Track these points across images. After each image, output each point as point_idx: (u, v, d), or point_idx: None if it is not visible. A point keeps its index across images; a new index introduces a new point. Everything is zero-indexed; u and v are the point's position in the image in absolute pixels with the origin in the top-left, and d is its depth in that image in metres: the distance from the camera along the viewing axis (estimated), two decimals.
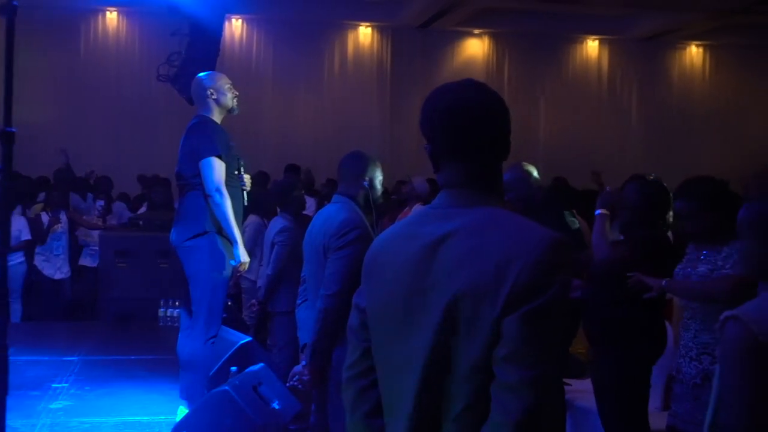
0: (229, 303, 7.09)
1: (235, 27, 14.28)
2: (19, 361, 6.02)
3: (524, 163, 4.98)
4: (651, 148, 15.72)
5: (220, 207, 4.66)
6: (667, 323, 4.46)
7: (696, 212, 3.62)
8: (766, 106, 16.21)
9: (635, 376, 4.11)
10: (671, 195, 4.21)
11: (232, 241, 4.74)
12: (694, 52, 16.23)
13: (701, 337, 3.54)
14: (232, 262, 4.77)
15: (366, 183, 3.86)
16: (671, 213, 4.15)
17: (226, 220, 4.69)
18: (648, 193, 4.21)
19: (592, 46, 15.79)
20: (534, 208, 4.85)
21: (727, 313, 2.18)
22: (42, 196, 9.37)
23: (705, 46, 16.13)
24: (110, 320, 7.92)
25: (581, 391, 5.19)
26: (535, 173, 4.90)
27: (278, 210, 6.28)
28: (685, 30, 14.82)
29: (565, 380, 5.30)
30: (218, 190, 4.65)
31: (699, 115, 16.03)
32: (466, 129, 1.83)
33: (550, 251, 1.69)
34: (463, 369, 1.72)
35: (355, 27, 14.85)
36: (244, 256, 4.78)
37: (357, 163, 3.91)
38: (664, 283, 3.80)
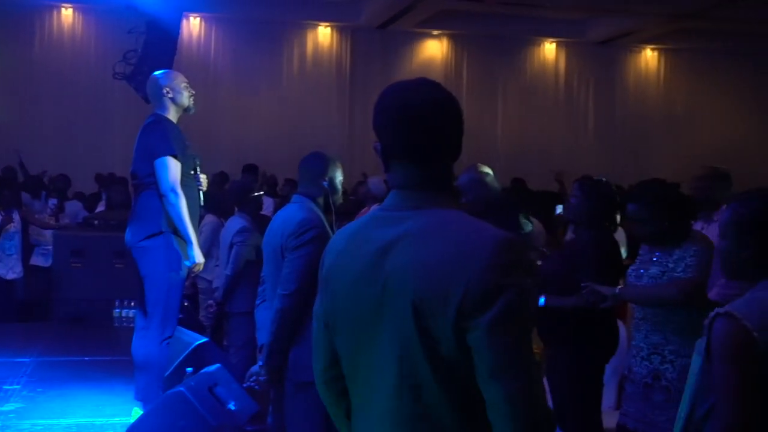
0: (186, 304, 7.04)
1: (193, 25, 14.17)
2: None
3: (479, 164, 5.01)
4: (606, 150, 15.94)
5: (175, 207, 4.62)
6: (620, 323, 4.52)
7: (647, 215, 3.67)
8: (718, 110, 16.51)
9: (588, 376, 4.16)
10: (617, 196, 4.28)
11: (186, 242, 4.70)
12: (649, 55, 16.48)
13: (652, 337, 3.60)
14: (187, 263, 4.72)
15: (326, 183, 3.85)
16: (618, 214, 4.22)
17: (181, 220, 4.64)
18: (594, 194, 4.25)
19: (549, 49, 15.95)
20: (492, 209, 4.88)
21: (718, 309, 2.22)
22: None
23: (660, 50, 16.38)
24: (64, 321, 7.80)
25: None
26: (491, 174, 4.94)
27: (236, 210, 6.24)
28: (640, 34, 15.05)
29: None
30: (173, 190, 4.60)
31: (653, 118, 16.28)
32: (415, 128, 1.77)
33: (501, 253, 1.65)
34: (428, 375, 1.69)
35: (315, 27, 14.83)
36: (198, 257, 4.74)
37: (317, 164, 3.90)
38: (617, 290, 3.85)
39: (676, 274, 3.56)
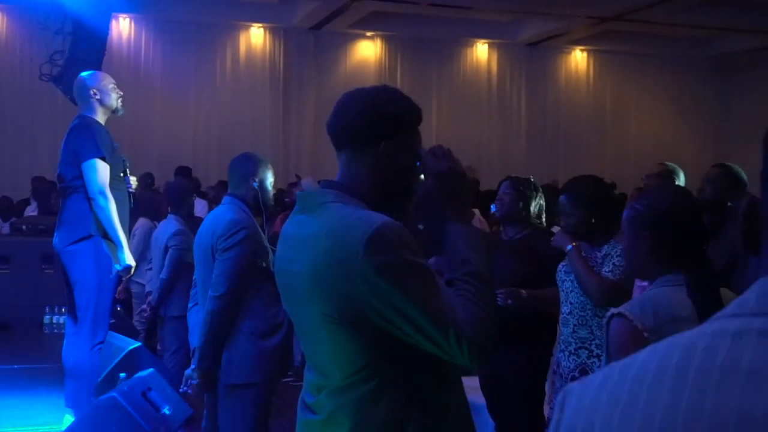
0: (119, 308, 6.93)
1: (123, 26, 13.92)
2: None
3: None
4: (538, 149, 16.19)
5: (105, 210, 4.55)
6: None
7: (574, 210, 3.73)
8: (644, 110, 16.92)
9: (532, 373, 4.20)
10: (541, 193, 4.35)
11: (117, 245, 4.63)
12: (578, 57, 16.78)
13: (579, 332, 3.67)
14: (117, 267, 4.66)
15: (255, 184, 3.84)
16: (542, 210, 4.29)
17: (111, 223, 4.58)
18: (517, 191, 4.32)
19: (481, 50, 16.11)
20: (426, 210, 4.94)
21: (613, 310, 2.26)
22: None
23: (589, 51, 16.69)
24: None
25: (471, 387, 5.29)
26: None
27: (169, 212, 6.17)
28: (569, 35, 15.31)
29: None
30: (101, 193, 4.53)
31: (583, 118, 16.59)
32: (343, 111, 1.95)
33: (372, 252, 1.71)
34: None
35: (247, 28, 14.72)
36: (129, 260, 4.68)
37: (246, 165, 3.89)
38: (523, 293, 3.96)
39: (603, 271, 3.62)
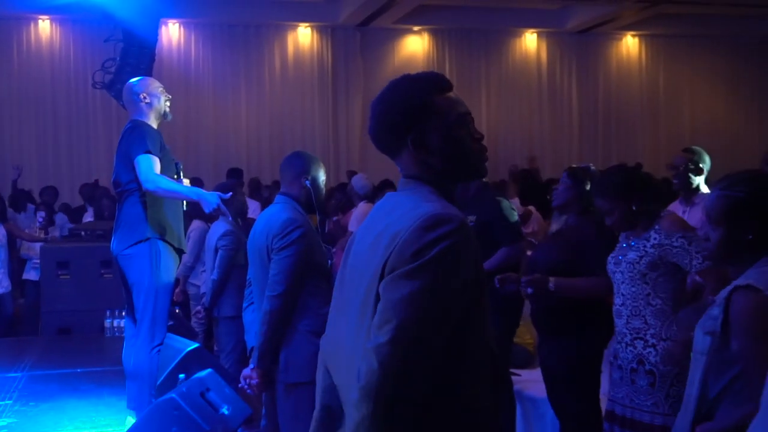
0: (177, 311, 7.02)
1: (172, 32, 14.10)
2: None
3: None
4: (590, 137, 16.01)
5: (159, 189, 4.51)
6: None
7: (613, 205, 3.68)
8: (697, 94, 16.59)
9: (584, 363, 4.18)
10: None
11: (195, 199, 4.61)
12: (630, 42, 16.51)
13: (633, 323, 3.61)
14: (217, 201, 4.59)
15: (308, 182, 3.84)
16: None
17: (174, 190, 4.55)
18: (583, 181, 4.28)
19: (530, 40, 15.95)
20: (468, 197, 4.99)
21: (736, 283, 2.22)
22: None
23: (640, 37, 16.42)
24: (53, 333, 7.76)
25: (530, 381, 5.25)
26: None
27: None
28: (619, 21, 15.07)
29: (514, 371, 5.36)
30: (147, 180, 4.49)
31: (635, 104, 16.34)
32: (370, 121, 2.00)
33: (420, 229, 1.76)
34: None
35: (294, 28, 14.78)
36: (214, 196, 4.61)
37: (297, 163, 3.89)
38: (551, 284, 3.98)
39: (693, 267, 3.53)
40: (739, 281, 2.20)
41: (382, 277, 1.78)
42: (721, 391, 2.24)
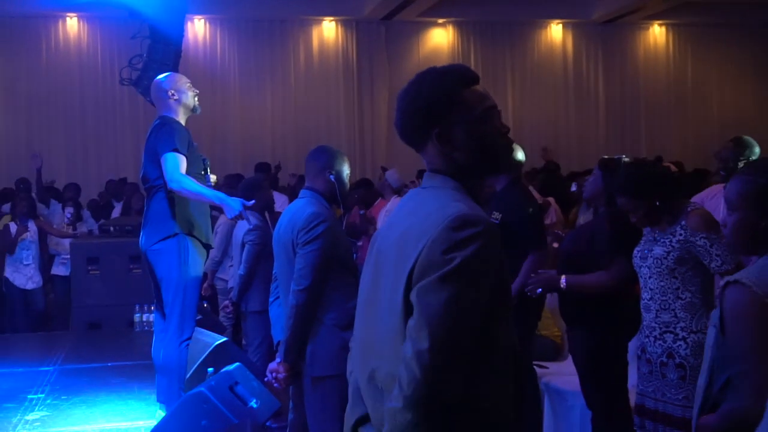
0: (205, 305, 7.07)
1: (198, 27, 14.17)
2: None
3: None
4: (617, 128, 15.88)
5: (184, 190, 4.51)
6: None
7: (637, 203, 3.67)
8: (726, 83, 16.38)
9: (611, 355, 4.16)
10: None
11: (218, 203, 4.62)
12: (657, 32, 16.34)
13: (662, 316, 3.59)
14: (239, 208, 4.58)
15: (332, 177, 3.85)
16: None
17: (198, 192, 4.54)
18: (607, 175, 4.25)
19: (556, 31, 15.84)
20: (497, 191, 4.92)
21: (728, 278, 2.21)
22: (7, 207, 9.27)
23: (668, 26, 16.25)
24: (84, 328, 7.85)
25: (557, 373, 5.23)
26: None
27: None
28: (645, 10, 14.92)
29: (542, 363, 5.35)
30: (173, 180, 4.51)
31: (663, 94, 16.18)
32: (396, 114, 1.99)
33: (449, 229, 1.75)
34: (390, 349, 1.82)
35: (319, 22, 14.80)
36: (237, 203, 4.61)
37: (322, 157, 3.91)
38: (563, 282, 4.02)
39: (713, 267, 3.51)
40: (731, 276, 2.19)
41: (410, 278, 1.78)
42: (724, 384, 2.25)
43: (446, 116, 1.92)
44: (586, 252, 4.15)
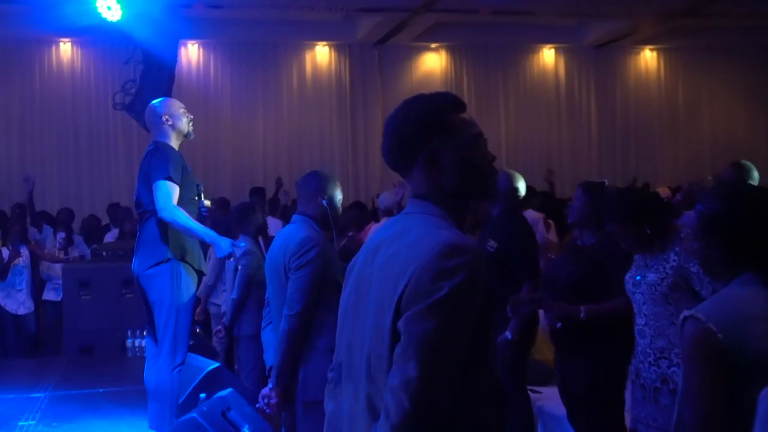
0: (198, 330, 7.04)
1: (191, 52, 14.21)
2: None
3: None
4: (609, 152, 15.94)
5: (174, 222, 4.56)
6: None
7: (622, 231, 3.68)
8: (717, 106, 16.48)
9: (606, 380, 4.14)
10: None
11: (208, 242, 4.66)
12: (648, 56, 16.45)
13: (657, 342, 3.59)
14: (237, 250, 4.65)
15: (324, 201, 3.86)
16: None
17: (187, 228, 4.58)
18: (593, 199, 4.25)
19: (548, 55, 15.94)
20: (492, 217, 4.91)
21: (685, 312, 2.19)
22: None
23: (659, 50, 16.36)
24: (75, 353, 7.80)
25: (551, 397, 5.21)
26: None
27: (239, 233, 6.24)
28: (636, 35, 15.03)
29: (534, 388, 5.33)
30: (164, 209, 4.55)
31: (655, 118, 16.27)
32: (386, 140, 2.00)
33: (437, 257, 1.76)
34: (381, 374, 1.81)
35: (312, 46, 14.86)
36: (227, 244, 4.65)
37: (314, 182, 3.92)
38: (582, 313, 3.98)
39: (703, 293, 3.52)
40: (689, 310, 2.18)
41: (398, 305, 1.78)
42: (677, 420, 2.26)
43: (434, 140, 1.93)
44: (592, 277, 4.12)
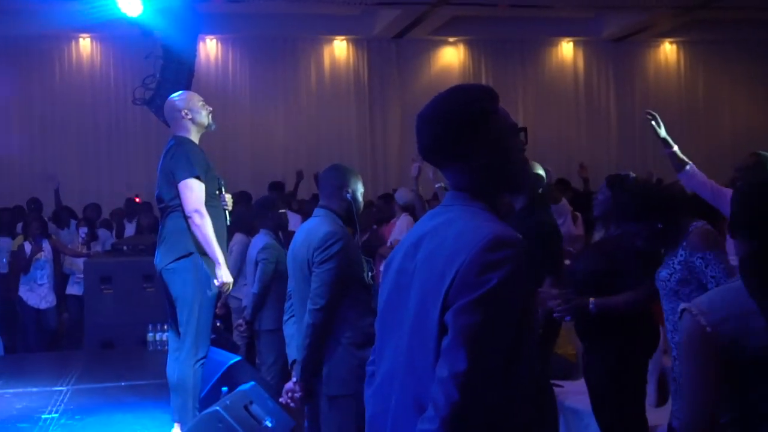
0: (219, 324, 7.06)
1: (210, 47, 14.25)
2: (6, 393, 5.98)
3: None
4: (629, 145, 15.83)
5: (201, 228, 4.64)
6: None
7: (634, 228, 3.67)
8: (736, 99, 16.34)
9: (627, 374, 4.12)
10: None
11: (214, 262, 4.71)
12: (668, 49, 16.34)
13: (675, 337, 3.57)
14: (216, 283, 4.74)
15: (348, 195, 3.85)
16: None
17: (208, 241, 4.66)
18: (621, 190, 4.23)
19: (566, 49, 15.86)
20: (515, 211, 4.87)
21: (682, 305, 2.21)
22: (20, 226, 9.31)
23: (678, 43, 16.25)
24: (97, 347, 7.85)
25: (572, 392, 5.20)
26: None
27: (259, 227, 6.26)
28: (655, 28, 14.93)
29: (556, 382, 5.32)
30: (197, 212, 4.62)
31: (675, 112, 16.11)
32: (424, 134, 1.98)
33: (484, 250, 1.76)
34: (427, 367, 1.80)
35: (330, 41, 14.87)
36: (227, 277, 4.75)
37: (337, 176, 3.90)
38: (591, 304, 3.94)
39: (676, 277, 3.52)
40: (685, 303, 2.19)
41: (445, 298, 1.78)
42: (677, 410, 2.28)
43: (476, 133, 1.93)
44: (609, 271, 4.11)
